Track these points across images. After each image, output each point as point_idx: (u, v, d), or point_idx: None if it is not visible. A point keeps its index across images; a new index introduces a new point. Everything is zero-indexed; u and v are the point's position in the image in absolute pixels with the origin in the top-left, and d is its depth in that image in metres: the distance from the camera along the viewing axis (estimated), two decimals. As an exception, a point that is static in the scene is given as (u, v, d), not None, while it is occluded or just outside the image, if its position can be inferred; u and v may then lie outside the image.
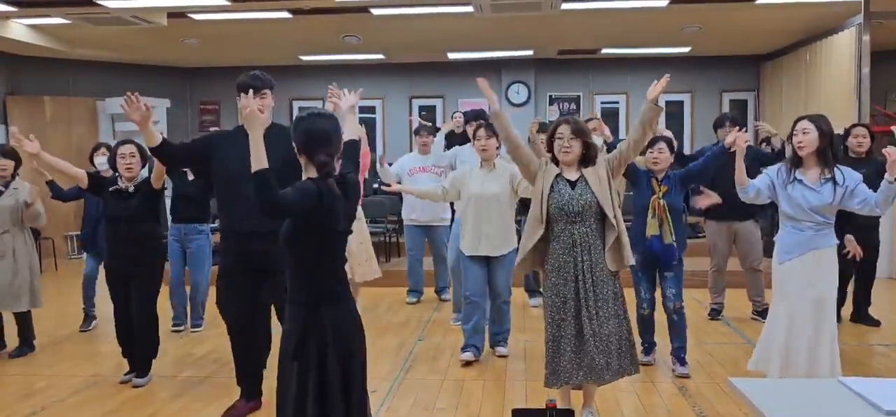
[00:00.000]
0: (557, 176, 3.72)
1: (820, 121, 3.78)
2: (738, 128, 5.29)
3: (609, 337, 3.59)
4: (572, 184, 3.69)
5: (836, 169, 3.74)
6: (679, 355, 4.76)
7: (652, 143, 4.63)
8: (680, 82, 12.12)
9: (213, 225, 6.40)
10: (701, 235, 9.19)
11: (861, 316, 6.08)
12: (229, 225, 3.89)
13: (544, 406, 3.08)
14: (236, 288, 3.90)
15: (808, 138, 3.74)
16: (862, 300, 6.09)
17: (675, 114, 12.25)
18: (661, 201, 4.59)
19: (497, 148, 5.01)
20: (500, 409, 4.13)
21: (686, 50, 11.18)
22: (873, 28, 8.32)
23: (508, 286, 5.11)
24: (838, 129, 5.91)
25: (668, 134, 4.98)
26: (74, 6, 7.63)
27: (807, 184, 3.75)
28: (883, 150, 3.66)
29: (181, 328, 6.25)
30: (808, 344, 3.72)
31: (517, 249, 4.96)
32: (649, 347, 4.98)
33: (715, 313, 6.33)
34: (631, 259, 3.74)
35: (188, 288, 6.21)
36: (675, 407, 4.16)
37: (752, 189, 3.94)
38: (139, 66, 11.75)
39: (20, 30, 9.13)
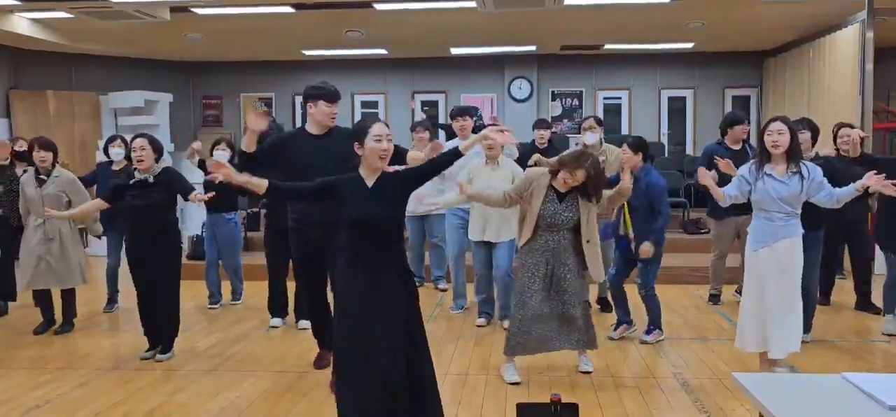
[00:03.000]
0: (549, 187, 4.37)
1: (790, 123, 4.27)
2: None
3: (573, 320, 4.41)
4: (560, 198, 4.37)
5: (801, 164, 4.20)
6: (650, 328, 5.42)
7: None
8: (683, 78, 12.11)
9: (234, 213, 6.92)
10: (704, 231, 9.20)
11: (866, 304, 6.33)
12: (300, 215, 4.46)
13: (548, 401, 3.09)
14: (307, 266, 4.58)
15: (783, 139, 4.17)
16: (862, 290, 6.37)
17: (678, 110, 12.24)
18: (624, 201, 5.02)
19: (502, 146, 5.29)
20: (503, 404, 4.14)
21: (689, 46, 11.17)
22: (877, 25, 8.30)
23: (508, 261, 5.72)
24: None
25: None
26: (78, 0, 7.64)
27: (776, 178, 4.19)
28: (871, 181, 4.10)
29: (217, 306, 6.79)
30: (779, 322, 4.21)
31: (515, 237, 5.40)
32: (618, 323, 5.53)
33: (715, 299, 6.73)
34: (600, 275, 4.52)
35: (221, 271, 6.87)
36: (677, 403, 4.17)
37: (729, 197, 4.39)
38: (142, 60, 11.76)
39: (24, 24, 9.14)
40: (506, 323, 5.64)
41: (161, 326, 5.11)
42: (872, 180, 4.12)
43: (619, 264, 5.41)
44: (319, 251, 4.49)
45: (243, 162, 4.41)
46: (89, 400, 4.29)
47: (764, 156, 4.26)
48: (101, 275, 7.07)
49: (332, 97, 4.42)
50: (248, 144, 4.30)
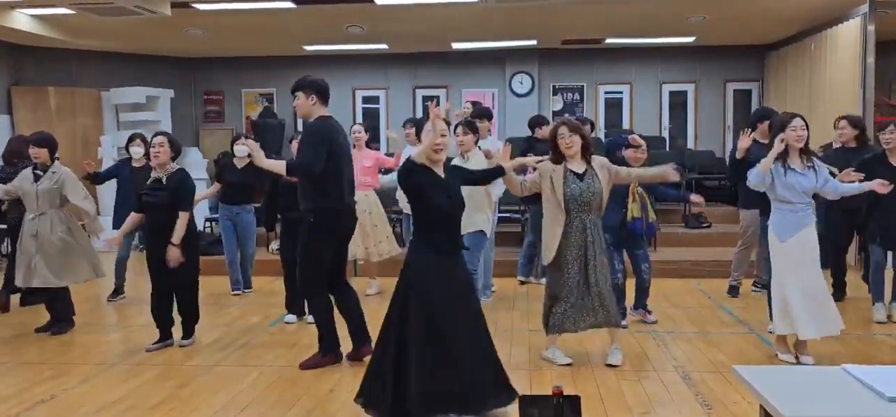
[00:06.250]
0: (566, 170, 4.52)
1: (806, 121, 4.62)
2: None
3: (605, 297, 4.55)
4: (581, 176, 4.51)
5: (813, 160, 4.62)
6: (642, 305, 5.78)
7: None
8: (684, 72, 12.10)
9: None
10: (705, 225, 9.21)
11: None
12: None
13: (550, 393, 3.10)
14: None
15: (805, 134, 4.55)
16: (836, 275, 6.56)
17: (679, 104, 12.24)
18: (640, 188, 5.36)
19: (475, 142, 5.83)
20: (505, 397, 4.15)
21: (691, 40, 11.15)
22: (878, 18, 8.30)
23: (476, 250, 5.77)
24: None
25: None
26: (79, -4, 7.65)
27: (798, 171, 4.54)
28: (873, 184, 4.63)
29: (240, 292, 7.14)
30: (822, 300, 4.56)
31: (482, 231, 5.73)
32: (622, 313, 5.51)
33: (734, 290, 6.77)
34: None
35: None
36: (678, 396, 4.18)
37: (758, 179, 4.62)
38: (143, 56, 11.76)
39: (25, 20, 9.15)
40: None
41: (182, 314, 5.32)
42: (875, 186, 4.66)
43: (617, 254, 5.53)
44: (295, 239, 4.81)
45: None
46: (94, 395, 4.31)
47: (783, 153, 4.52)
48: (106, 268, 7.10)
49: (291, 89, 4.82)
50: (276, 170, 4.76)
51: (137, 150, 6.86)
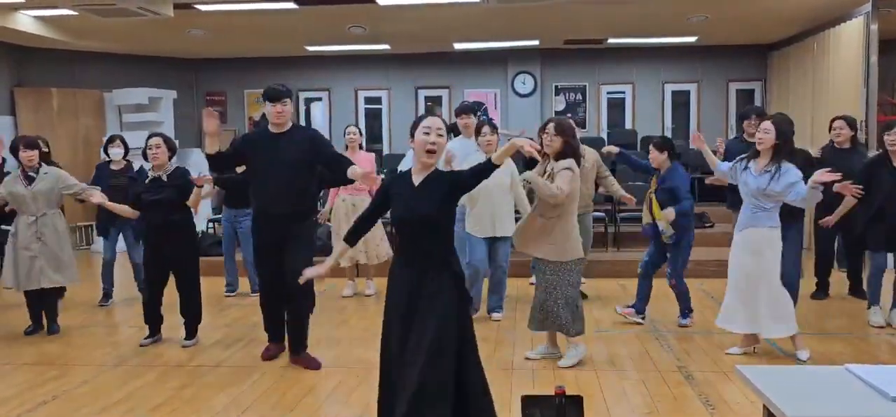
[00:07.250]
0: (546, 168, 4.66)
1: (780, 124, 4.58)
2: (760, 119, 6.23)
3: (547, 302, 4.63)
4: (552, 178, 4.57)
5: (782, 164, 4.46)
6: (683, 313, 5.71)
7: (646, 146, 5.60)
8: (686, 72, 12.08)
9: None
10: (708, 225, 9.19)
11: (855, 290, 6.63)
12: (260, 207, 4.74)
13: (553, 393, 3.09)
14: (265, 256, 4.78)
15: (766, 137, 4.52)
16: (852, 276, 6.68)
17: (681, 104, 12.22)
18: (651, 195, 5.54)
19: (497, 142, 5.70)
20: (508, 397, 4.14)
21: (693, 39, 11.13)
22: (882, 17, 8.27)
23: (508, 257, 5.91)
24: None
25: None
26: (81, -3, 7.65)
27: (751, 172, 4.60)
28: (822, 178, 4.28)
29: (233, 293, 7.19)
30: (751, 301, 4.62)
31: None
32: (637, 308, 5.75)
33: None
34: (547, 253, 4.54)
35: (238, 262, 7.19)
36: (681, 396, 4.17)
37: (719, 171, 4.96)
38: (146, 57, 11.77)
39: (27, 21, 9.16)
40: (497, 315, 5.98)
41: (185, 314, 5.38)
42: (825, 177, 4.24)
43: (652, 251, 5.69)
44: (278, 243, 4.64)
45: (210, 163, 4.71)
46: (95, 397, 4.32)
47: (754, 151, 4.67)
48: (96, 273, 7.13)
49: (273, 96, 4.61)
50: (209, 147, 4.60)
51: (117, 152, 6.93)
